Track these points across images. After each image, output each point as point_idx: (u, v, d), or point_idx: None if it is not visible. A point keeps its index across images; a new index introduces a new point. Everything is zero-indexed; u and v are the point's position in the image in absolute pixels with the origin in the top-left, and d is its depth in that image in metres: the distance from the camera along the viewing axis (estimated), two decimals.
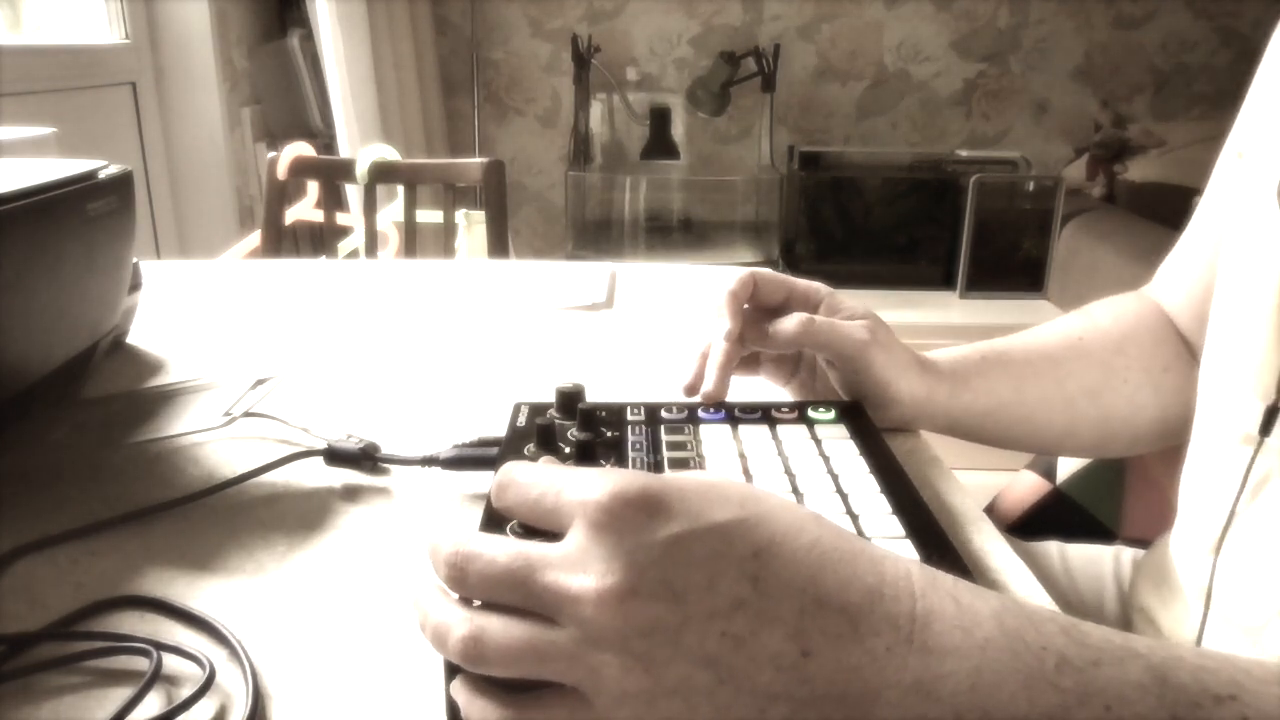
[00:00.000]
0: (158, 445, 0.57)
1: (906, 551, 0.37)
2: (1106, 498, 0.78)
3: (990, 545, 0.45)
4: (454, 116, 2.74)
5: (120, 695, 0.34)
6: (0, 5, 1.74)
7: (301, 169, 1.59)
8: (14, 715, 0.34)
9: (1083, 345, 0.61)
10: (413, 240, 1.55)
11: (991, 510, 0.83)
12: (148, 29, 2.02)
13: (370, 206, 1.57)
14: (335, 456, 0.53)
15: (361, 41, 2.17)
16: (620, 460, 0.45)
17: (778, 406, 0.52)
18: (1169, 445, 0.61)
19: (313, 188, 1.82)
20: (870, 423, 0.51)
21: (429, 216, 1.63)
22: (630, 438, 0.48)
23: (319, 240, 2.14)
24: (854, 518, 0.40)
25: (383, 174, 1.55)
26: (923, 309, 2.12)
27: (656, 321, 0.85)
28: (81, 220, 0.56)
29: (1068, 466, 0.80)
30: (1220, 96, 2.71)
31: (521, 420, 0.50)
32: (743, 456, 0.46)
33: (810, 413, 0.51)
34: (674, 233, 2.57)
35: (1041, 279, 2.16)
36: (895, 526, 0.39)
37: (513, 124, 2.79)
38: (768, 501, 0.30)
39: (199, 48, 2.06)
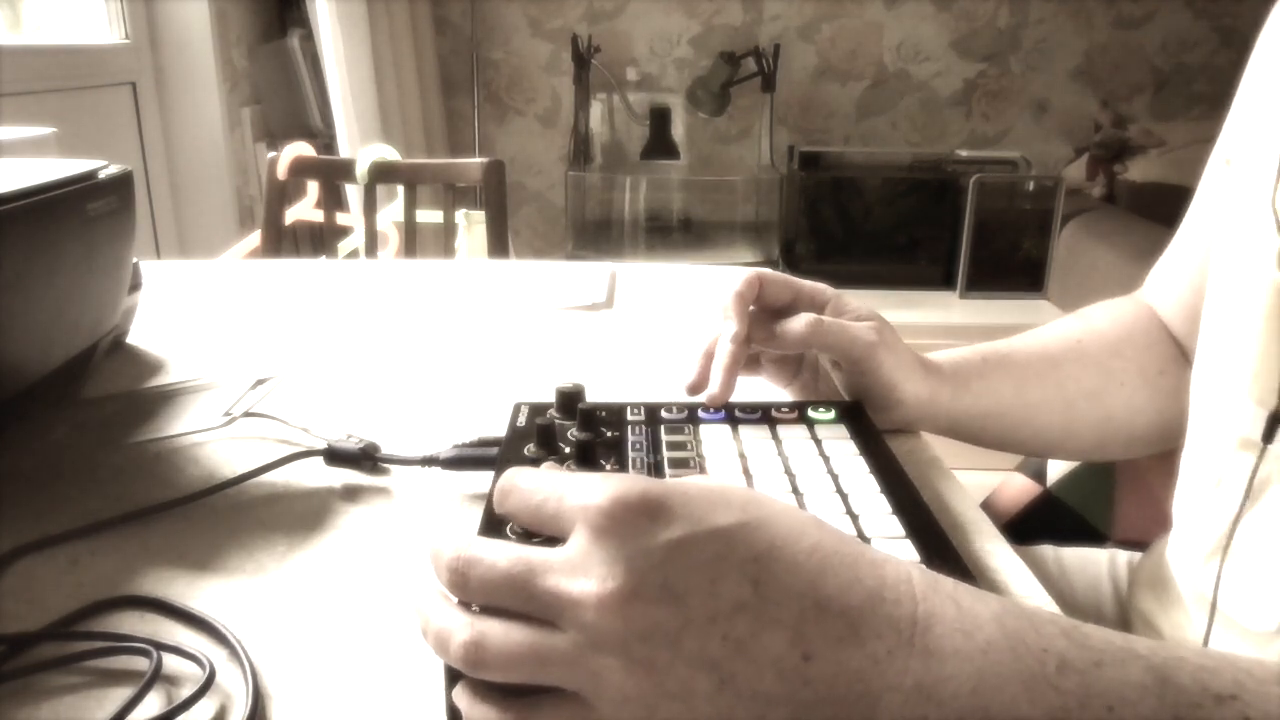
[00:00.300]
0: (158, 445, 0.57)
1: (907, 552, 0.37)
2: (1097, 500, 0.78)
3: (991, 546, 0.45)
4: (454, 116, 2.74)
5: (120, 695, 0.34)
6: (0, 5, 1.74)
7: (301, 169, 1.59)
8: (14, 715, 0.34)
9: (1081, 348, 0.61)
10: (413, 240, 1.55)
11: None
12: (148, 29, 2.02)
13: (370, 206, 1.57)
14: (335, 456, 0.53)
15: (361, 41, 2.17)
16: (620, 460, 0.45)
17: (778, 406, 0.52)
18: (1165, 448, 0.61)
19: (313, 188, 1.82)
20: (870, 423, 0.51)
21: (429, 216, 1.63)
22: (630, 438, 0.48)
23: (319, 240, 2.14)
24: (854, 518, 0.40)
25: (383, 174, 1.55)
26: (923, 309, 2.12)
27: (656, 321, 0.85)
28: (81, 220, 0.56)
29: (1058, 469, 0.80)
30: (1220, 96, 2.70)
31: (521, 420, 0.50)
32: (743, 457, 0.46)
33: (810, 413, 0.51)
34: (674, 233, 2.57)
35: (1041, 279, 2.16)
36: (895, 527, 0.39)
37: (513, 124, 2.79)
38: (769, 506, 0.30)
39: (199, 48, 2.06)
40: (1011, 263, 2.17)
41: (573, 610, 0.28)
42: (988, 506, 0.83)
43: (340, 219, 1.88)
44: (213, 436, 0.57)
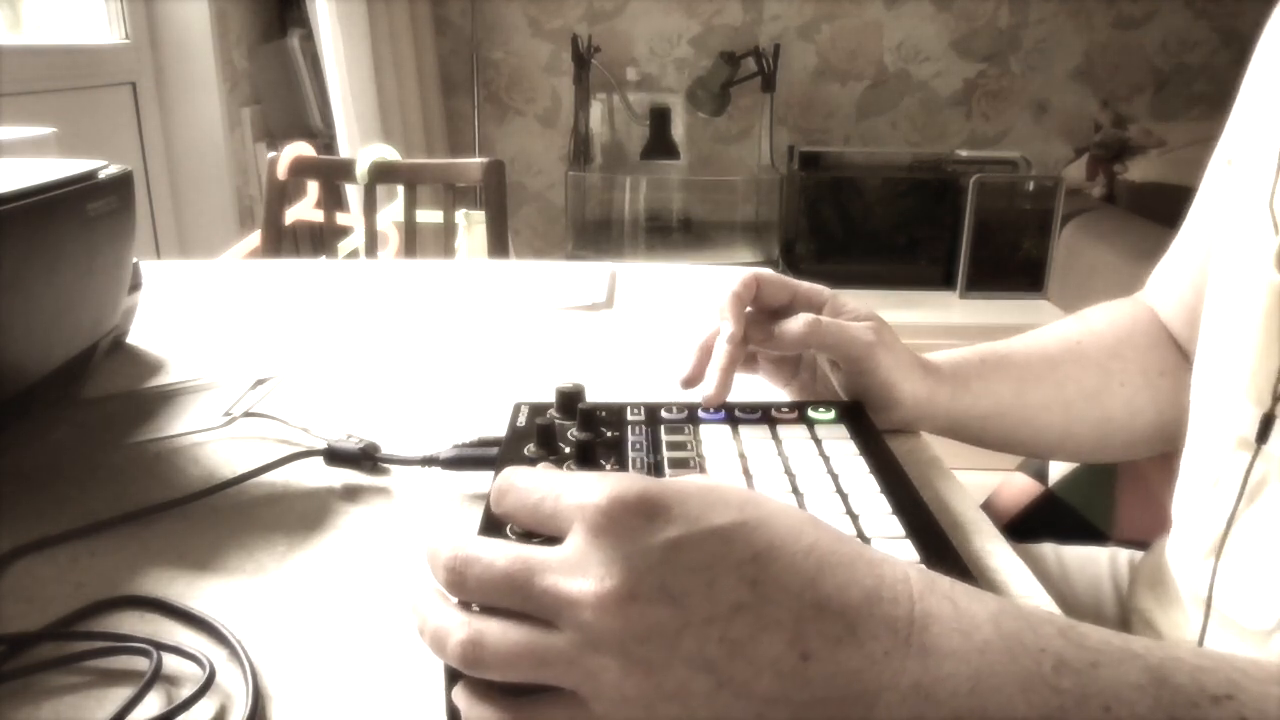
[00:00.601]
0: (158, 445, 0.57)
1: (906, 552, 0.37)
2: (1099, 499, 0.78)
3: (990, 546, 0.45)
4: (454, 116, 2.74)
5: (120, 695, 0.34)
6: (0, 5, 1.74)
7: (301, 169, 1.59)
8: (14, 715, 0.34)
9: (1081, 349, 0.61)
10: (413, 240, 1.55)
11: (984, 513, 0.83)
12: (148, 29, 2.02)
13: (370, 206, 1.57)
14: (335, 456, 0.53)
15: (361, 41, 2.17)
16: (620, 460, 0.45)
17: (778, 406, 0.52)
18: (1165, 449, 0.61)
19: (313, 188, 1.82)
20: (870, 423, 0.51)
21: (429, 216, 1.63)
22: (630, 438, 0.48)
23: (319, 240, 2.14)
24: (854, 518, 0.40)
25: (383, 174, 1.55)
26: (923, 309, 2.12)
27: (656, 321, 0.85)
28: (81, 220, 0.56)
29: (1059, 468, 0.80)
30: (1220, 96, 2.70)
31: (521, 420, 0.50)
32: (742, 457, 0.46)
33: (810, 413, 0.51)
34: (674, 233, 2.57)
35: (1041, 279, 2.16)
36: (895, 527, 0.39)
37: (513, 124, 2.79)
38: (767, 505, 0.30)
39: (199, 48, 2.06)
40: (1011, 263, 2.17)
41: (570, 610, 0.28)
42: (989, 506, 0.83)
43: (340, 219, 1.88)
44: (213, 436, 0.57)
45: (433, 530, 0.47)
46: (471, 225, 1.81)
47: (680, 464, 0.46)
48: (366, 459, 0.52)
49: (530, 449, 0.46)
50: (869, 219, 2.35)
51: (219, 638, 0.38)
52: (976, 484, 0.68)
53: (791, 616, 0.27)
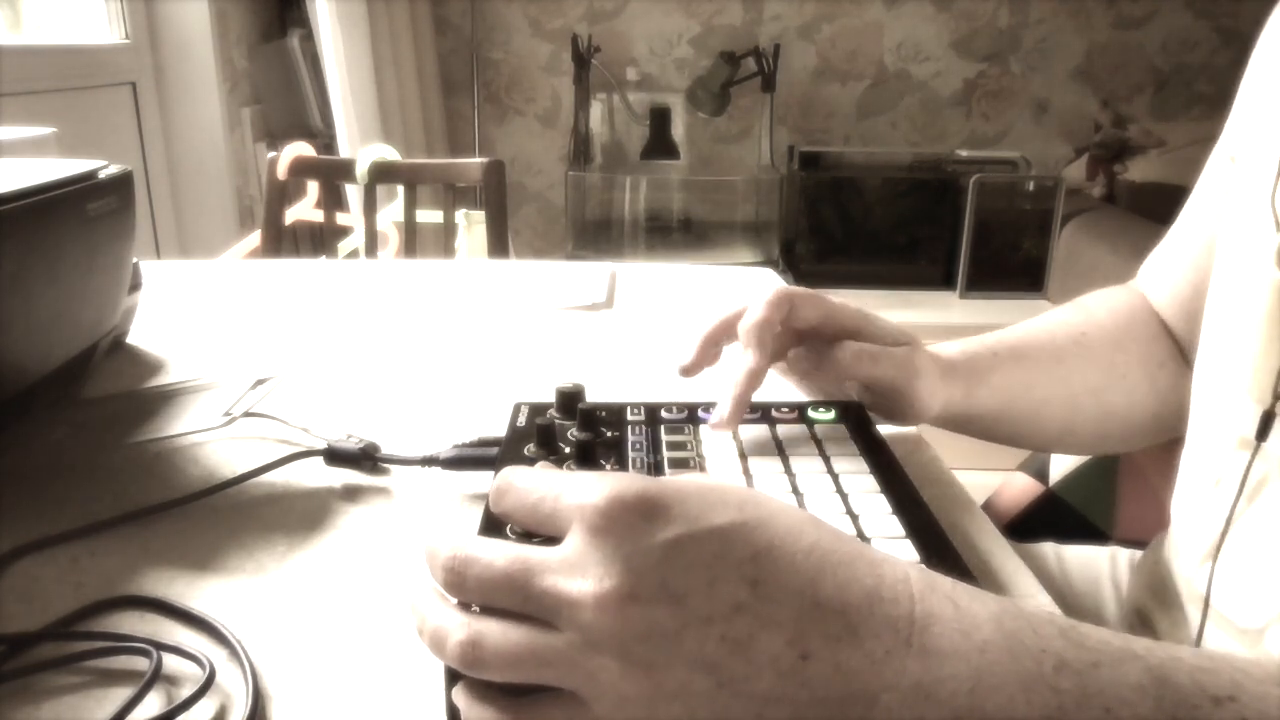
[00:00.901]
0: (158, 445, 0.57)
1: (906, 552, 0.37)
2: (1099, 499, 0.78)
3: (990, 545, 0.45)
4: (454, 116, 2.74)
5: (120, 695, 0.34)
6: (0, 5, 1.74)
7: (301, 169, 1.59)
8: (14, 715, 0.34)
9: (1086, 341, 0.61)
10: (413, 240, 1.55)
11: (985, 512, 0.83)
12: (148, 29, 2.02)
13: (370, 206, 1.57)
14: (335, 456, 0.53)
15: (361, 41, 2.17)
16: (620, 460, 0.45)
17: (778, 406, 0.52)
18: (1160, 441, 0.61)
19: (313, 188, 1.82)
20: (870, 423, 0.51)
21: (429, 216, 1.63)
22: (630, 438, 0.48)
23: (319, 240, 2.14)
24: (854, 518, 0.40)
25: (383, 174, 1.55)
26: (923, 309, 2.12)
27: (656, 321, 0.85)
28: (81, 220, 0.56)
29: (1060, 468, 0.80)
30: (1220, 96, 2.70)
31: (521, 420, 0.50)
32: (743, 457, 0.46)
33: (810, 413, 0.51)
34: (674, 233, 2.57)
35: (1041, 279, 2.16)
36: (895, 526, 0.39)
37: (513, 124, 2.79)
38: (767, 505, 0.30)
39: (199, 48, 2.06)
40: (1011, 263, 2.17)
41: (570, 610, 0.28)
42: (990, 505, 0.83)
43: (340, 219, 1.88)
44: (213, 436, 0.57)
45: (432, 530, 0.47)
46: (471, 225, 1.81)
47: (680, 464, 0.46)
48: (366, 459, 0.52)
49: (530, 449, 0.46)
50: (869, 219, 2.35)
51: (219, 638, 0.38)
52: (977, 484, 0.68)
53: (791, 616, 0.27)
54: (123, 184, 0.61)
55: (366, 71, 2.19)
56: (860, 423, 0.51)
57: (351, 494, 0.51)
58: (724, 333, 0.56)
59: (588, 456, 0.45)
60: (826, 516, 0.38)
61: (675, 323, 0.85)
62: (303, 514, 0.49)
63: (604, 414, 0.50)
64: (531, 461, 0.45)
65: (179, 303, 0.87)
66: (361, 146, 1.96)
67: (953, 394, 0.55)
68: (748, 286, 0.96)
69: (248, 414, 0.60)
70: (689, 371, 0.53)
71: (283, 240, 1.64)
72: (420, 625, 0.30)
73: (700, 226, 2.59)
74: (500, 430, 0.50)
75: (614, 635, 0.27)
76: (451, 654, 0.29)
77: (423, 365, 0.72)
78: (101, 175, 0.59)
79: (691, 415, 0.51)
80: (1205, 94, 2.72)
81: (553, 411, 0.50)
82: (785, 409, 0.52)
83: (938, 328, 2.04)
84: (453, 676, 0.31)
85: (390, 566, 0.44)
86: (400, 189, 1.58)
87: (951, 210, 2.23)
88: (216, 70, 2.07)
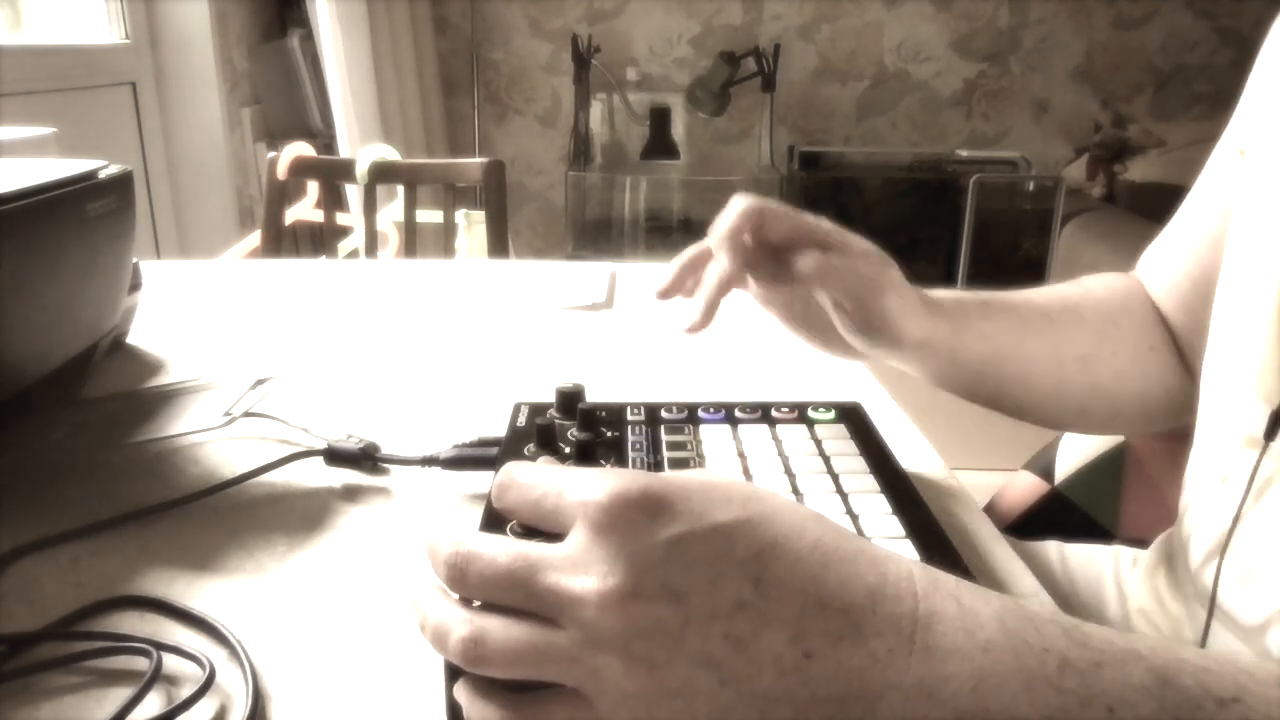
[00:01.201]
0: (158, 445, 0.57)
1: (906, 551, 0.37)
2: (1105, 498, 0.78)
3: (990, 545, 0.45)
4: (454, 116, 2.74)
5: (120, 695, 0.34)
6: (1, 5, 1.74)
7: (301, 169, 1.59)
8: (14, 715, 0.34)
9: (1079, 311, 0.61)
10: (413, 240, 1.55)
11: (989, 511, 0.83)
12: (148, 29, 2.02)
13: (370, 206, 1.57)
14: (335, 456, 0.53)
15: (361, 41, 2.17)
16: (620, 460, 0.45)
17: (778, 406, 0.52)
18: (1144, 430, 0.61)
19: (313, 188, 1.82)
20: (870, 422, 0.51)
21: (429, 216, 1.63)
22: (630, 438, 0.48)
23: (319, 240, 2.14)
24: (854, 518, 0.40)
25: (383, 174, 1.55)
26: None
27: (656, 321, 0.85)
28: (81, 220, 0.56)
29: (1065, 467, 0.80)
30: (1220, 96, 2.71)
31: (521, 420, 0.50)
32: (742, 456, 0.46)
33: (810, 413, 0.51)
34: (674, 233, 2.57)
35: (1041, 279, 2.16)
36: (895, 526, 0.39)
37: (513, 124, 2.79)
38: (770, 501, 0.30)
39: (199, 48, 2.06)
40: (1011, 262, 2.17)
41: (573, 608, 0.27)
42: (995, 504, 0.83)
43: (340, 219, 1.88)
44: (213, 436, 0.57)
45: (433, 530, 0.47)
46: (471, 225, 1.81)
47: (680, 464, 0.46)
48: (366, 459, 0.52)
49: (530, 449, 0.46)
50: (869, 219, 2.35)
51: (219, 638, 0.38)
52: (978, 484, 0.68)
53: (794, 614, 0.27)
54: (123, 184, 0.61)
55: (366, 71, 2.19)
56: (860, 423, 0.51)
57: (351, 494, 0.51)
58: (701, 259, 0.54)
59: (588, 456, 0.45)
60: (826, 516, 0.38)
61: (675, 323, 0.84)
62: (303, 514, 0.49)
63: (604, 414, 0.50)
64: (531, 461, 0.44)
65: (179, 303, 0.87)
66: (361, 146, 1.96)
67: (937, 328, 0.54)
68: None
69: (248, 414, 0.60)
70: (665, 294, 0.52)
71: (283, 240, 1.64)
72: (422, 621, 0.30)
73: (700, 226, 2.58)
74: (500, 430, 0.50)
75: (616, 633, 0.27)
76: (454, 650, 0.29)
77: (423, 365, 0.72)
78: (101, 175, 0.59)
79: (691, 415, 0.51)
80: (1205, 94, 2.72)
81: (553, 411, 0.50)
82: (785, 409, 0.52)
83: None
84: (453, 673, 0.31)
85: (390, 566, 0.44)
86: (400, 189, 1.58)
87: (951, 210, 2.23)
88: (216, 70, 2.07)
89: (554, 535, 0.30)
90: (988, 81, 2.73)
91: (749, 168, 2.76)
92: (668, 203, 2.60)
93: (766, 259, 0.52)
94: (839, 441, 0.48)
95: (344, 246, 1.91)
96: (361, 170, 1.53)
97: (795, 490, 0.43)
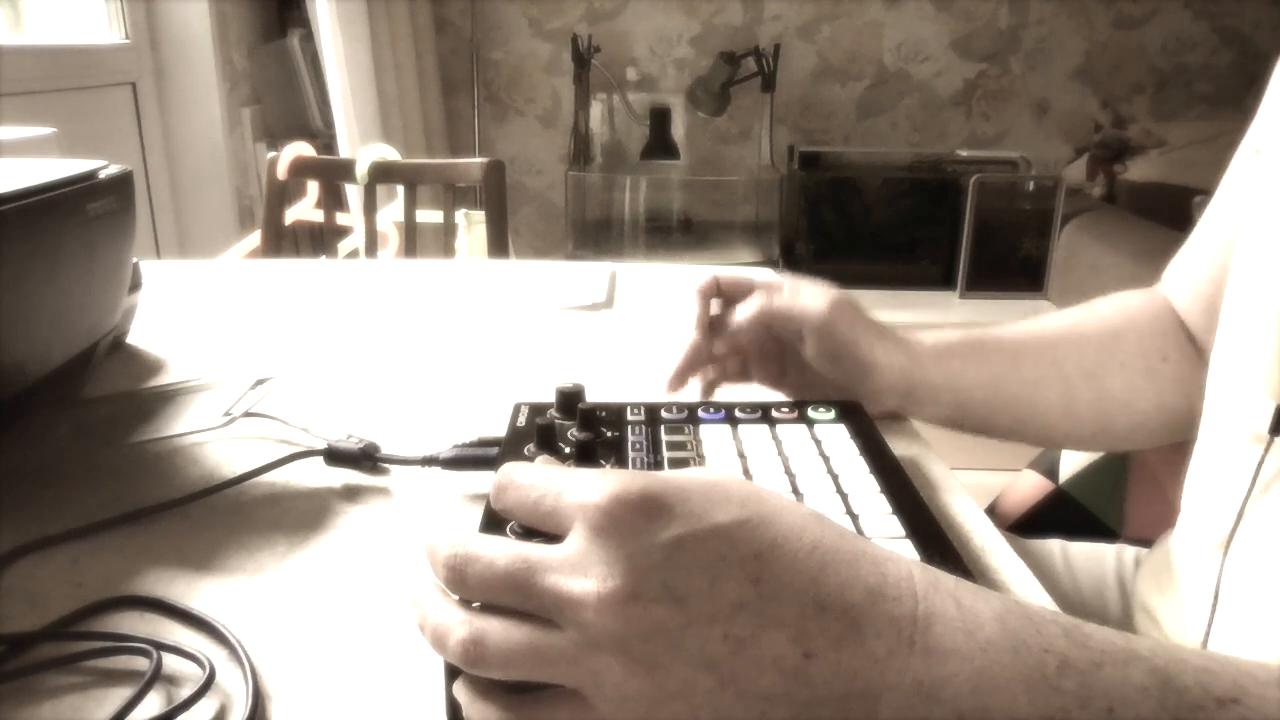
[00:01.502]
0: (158, 445, 0.56)
1: (906, 551, 0.37)
2: (1109, 497, 0.78)
3: (990, 545, 0.45)
4: (454, 116, 2.74)
5: (120, 695, 0.34)
6: (1, 5, 1.74)
7: (301, 169, 1.59)
8: (14, 715, 0.34)
9: (1080, 330, 0.61)
10: (413, 240, 1.55)
11: (993, 510, 0.83)
12: (148, 29, 2.02)
13: (370, 206, 1.57)
14: (335, 456, 0.53)
15: (361, 41, 2.17)
16: (620, 460, 0.45)
17: (778, 406, 0.52)
18: (1168, 441, 0.61)
19: (313, 188, 1.82)
20: (870, 422, 0.51)
21: (429, 216, 1.63)
22: (630, 438, 0.48)
23: (319, 240, 2.14)
24: (854, 518, 0.40)
25: (383, 174, 1.55)
26: (923, 309, 2.12)
27: (656, 321, 0.85)
28: (81, 220, 0.56)
29: (1070, 466, 0.80)
30: (1220, 96, 2.71)
31: (521, 420, 0.50)
32: (742, 456, 0.46)
33: (810, 413, 0.51)
34: (674, 233, 2.57)
35: (1041, 279, 2.16)
36: (895, 526, 0.39)
37: (513, 124, 2.78)
38: (770, 501, 0.30)
39: (199, 48, 2.06)
40: (1011, 263, 2.17)
41: (573, 609, 0.27)
42: (999, 503, 0.83)
43: (340, 219, 1.87)
44: (213, 436, 0.57)
45: (433, 530, 0.47)
46: (471, 225, 1.81)
47: (680, 464, 0.46)
48: (366, 459, 0.52)
49: (530, 449, 0.46)
50: (869, 219, 2.35)
51: (219, 638, 0.38)
52: (981, 484, 0.68)
53: (794, 615, 0.27)
54: (123, 184, 0.61)
55: (366, 71, 2.19)
56: (860, 423, 0.50)
57: (351, 494, 0.51)
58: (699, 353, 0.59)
59: (588, 456, 0.45)
60: (827, 516, 0.38)
61: (675, 323, 0.84)
62: (303, 514, 0.49)
63: (604, 414, 0.50)
64: (531, 461, 0.45)
65: (179, 303, 0.87)
66: (361, 146, 1.95)
67: (921, 359, 0.56)
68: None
69: (248, 414, 0.60)
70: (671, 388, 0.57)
71: (283, 240, 1.64)
72: (421, 622, 0.30)
73: (700, 226, 2.59)
74: (500, 430, 0.50)
75: (616, 635, 0.27)
76: (453, 651, 0.29)
77: (423, 365, 0.72)
78: (101, 175, 0.59)
79: (691, 415, 0.51)
80: (1205, 94, 2.72)
81: (553, 411, 0.50)
82: (785, 409, 0.52)
83: (938, 328, 2.02)
84: (453, 673, 0.31)
85: (390, 566, 0.44)
86: (400, 189, 1.58)
87: (951, 210, 2.23)
88: (216, 70, 2.07)
89: (553, 535, 0.30)
90: (988, 81, 2.73)
91: (749, 168, 2.75)
92: (668, 203, 2.60)
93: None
94: (839, 441, 0.48)
95: (344, 246, 1.91)
96: (361, 170, 1.53)
97: (795, 490, 0.43)
